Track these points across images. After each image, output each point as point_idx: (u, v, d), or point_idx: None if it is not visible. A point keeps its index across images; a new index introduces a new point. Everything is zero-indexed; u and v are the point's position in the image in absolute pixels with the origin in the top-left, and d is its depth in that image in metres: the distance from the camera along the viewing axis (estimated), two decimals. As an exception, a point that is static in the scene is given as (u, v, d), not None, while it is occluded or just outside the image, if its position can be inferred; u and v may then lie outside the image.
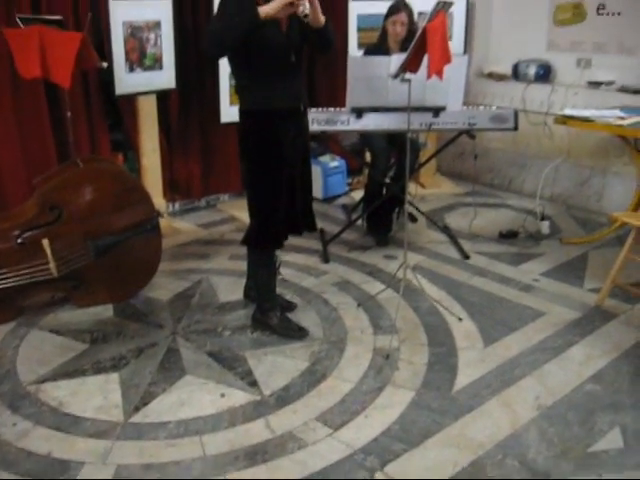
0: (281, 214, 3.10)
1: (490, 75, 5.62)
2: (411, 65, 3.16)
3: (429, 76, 3.05)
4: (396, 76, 3.26)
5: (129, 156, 4.88)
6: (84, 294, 3.55)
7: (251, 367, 3.01)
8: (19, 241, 3.35)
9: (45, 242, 3.35)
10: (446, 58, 2.98)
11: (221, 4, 2.89)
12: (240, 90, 3.07)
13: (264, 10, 2.75)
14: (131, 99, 4.44)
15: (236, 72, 3.06)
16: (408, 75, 3.23)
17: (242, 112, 3.06)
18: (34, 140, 4.18)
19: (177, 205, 5.16)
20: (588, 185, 5.11)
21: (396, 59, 3.52)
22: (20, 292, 3.41)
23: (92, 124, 4.48)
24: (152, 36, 4.31)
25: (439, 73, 2.99)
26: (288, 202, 3.13)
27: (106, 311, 3.56)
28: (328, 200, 5.37)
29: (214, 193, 5.31)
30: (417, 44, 3.07)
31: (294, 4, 2.76)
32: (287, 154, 3.05)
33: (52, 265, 3.37)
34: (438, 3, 2.97)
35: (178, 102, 4.86)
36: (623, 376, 2.93)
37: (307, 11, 2.78)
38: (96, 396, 2.81)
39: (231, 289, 3.76)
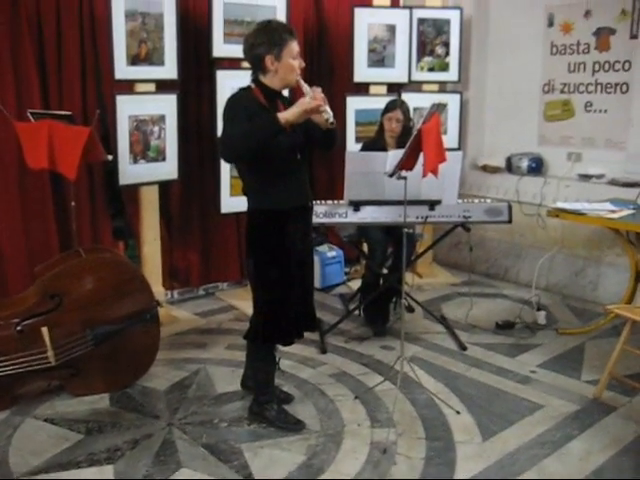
0: (289, 311, 3.10)
1: (484, 168, 5.75)
2: (407, 164, 3.25)
3: (424, 174, 3.12)
4: (392, 175, 3.34)
5: (130, 244, 4.94)
6: (81, 383, 3.54)
7: (247, 460, 2.97)
8: (18, 329, 3.36)
9: (44, 330, 3.36)
10: (441, 157, 3.08)
11: (229, 110, 2.89)
12: (249, 190, 3.07)
13: (284, 117, 2.77)
14: (134, 189, 4.53)
15: (245, 173, 3.08)
16: (404, 172, 3.30)
17: (251, 210, 3.07)
18: (37, 228, 4.26)
19: (176, 293, 5.18)
20: (583, 275, 5.17)
21: (392, 156, 3.63)
22: (16, 380, 3.40)
23: (95, 213, 4.57)
24: (156, 129, 4.44)
25: (434, 172, 3.08)
26: (300, 299, 3.14)
27: (102, 400, 3.53)
28: (326, 289, 5.40)
29: (213, 282, 5.33)
30: (413, 144, 3.17)
31: (317, 111, 2.77)
32: (298, 251, 3.07)
33: (50, 354, 3.38)
34: (433, 105, 3.10)
35: (180, 192, 4.98)
36: (625, 472, 2.89)
37: (332, 118, 2.79)
38: (89, 490, 2.76)
39: (228, 379, 3.74)
